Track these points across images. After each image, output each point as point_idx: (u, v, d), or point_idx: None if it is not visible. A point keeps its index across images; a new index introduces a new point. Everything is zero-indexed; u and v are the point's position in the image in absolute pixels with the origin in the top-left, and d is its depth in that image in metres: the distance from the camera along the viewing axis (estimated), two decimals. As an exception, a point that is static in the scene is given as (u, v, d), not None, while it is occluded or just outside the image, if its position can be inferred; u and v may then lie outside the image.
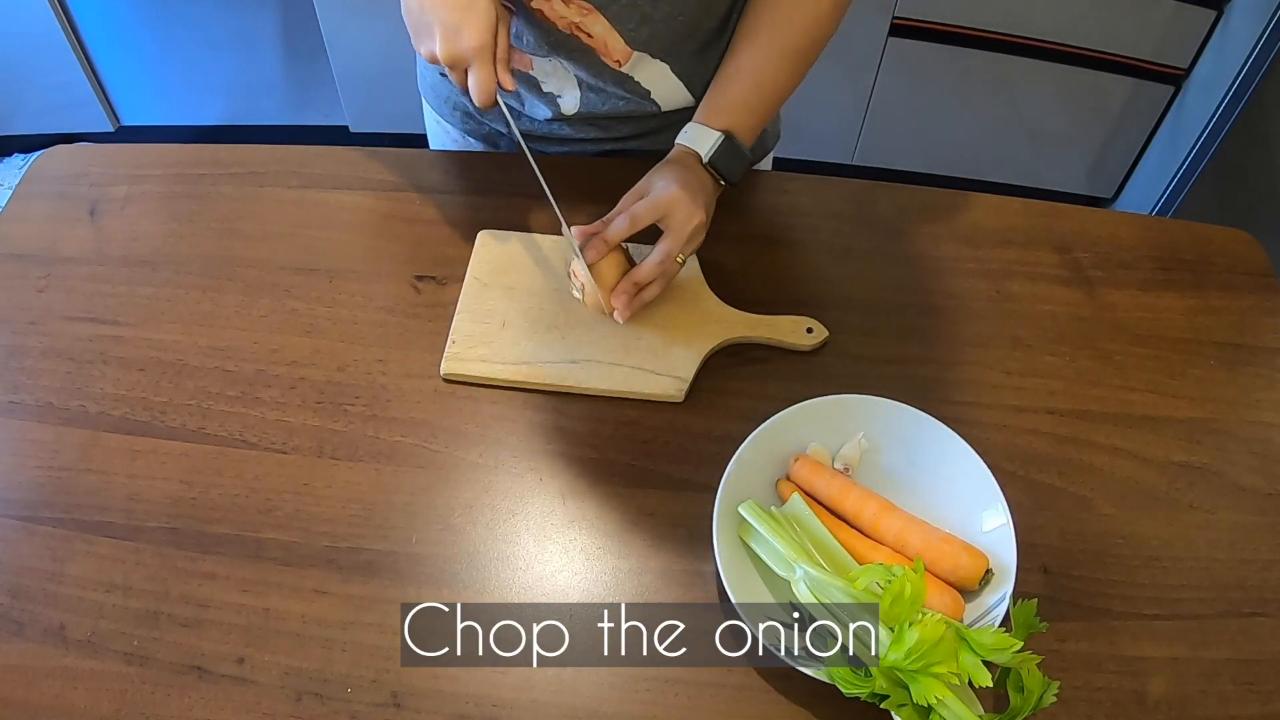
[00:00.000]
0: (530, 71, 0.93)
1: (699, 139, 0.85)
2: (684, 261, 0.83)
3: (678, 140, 0.87)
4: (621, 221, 0.80)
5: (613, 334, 0.85)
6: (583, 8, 0.83)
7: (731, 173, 0.86)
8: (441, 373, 0.84)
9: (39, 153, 1.06)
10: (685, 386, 0.82)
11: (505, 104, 0.81)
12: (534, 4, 0.83)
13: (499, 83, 0.76)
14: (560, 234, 0.91)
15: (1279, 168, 1.74)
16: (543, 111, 0.96)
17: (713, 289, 0.88)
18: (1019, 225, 0.97)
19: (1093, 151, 2.08)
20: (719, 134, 0.85)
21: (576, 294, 0.84)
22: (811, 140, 2.10)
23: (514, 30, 0.87)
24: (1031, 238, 0.96)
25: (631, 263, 0.83)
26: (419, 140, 1.14)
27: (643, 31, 0.86)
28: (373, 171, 1.00)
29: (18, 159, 2.35)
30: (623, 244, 0.82)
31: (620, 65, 0.89)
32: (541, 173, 0.83)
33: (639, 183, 0.84)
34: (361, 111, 2.16)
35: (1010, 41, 1.88)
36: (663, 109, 0.96)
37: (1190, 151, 1.86)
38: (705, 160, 0.85)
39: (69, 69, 2.12)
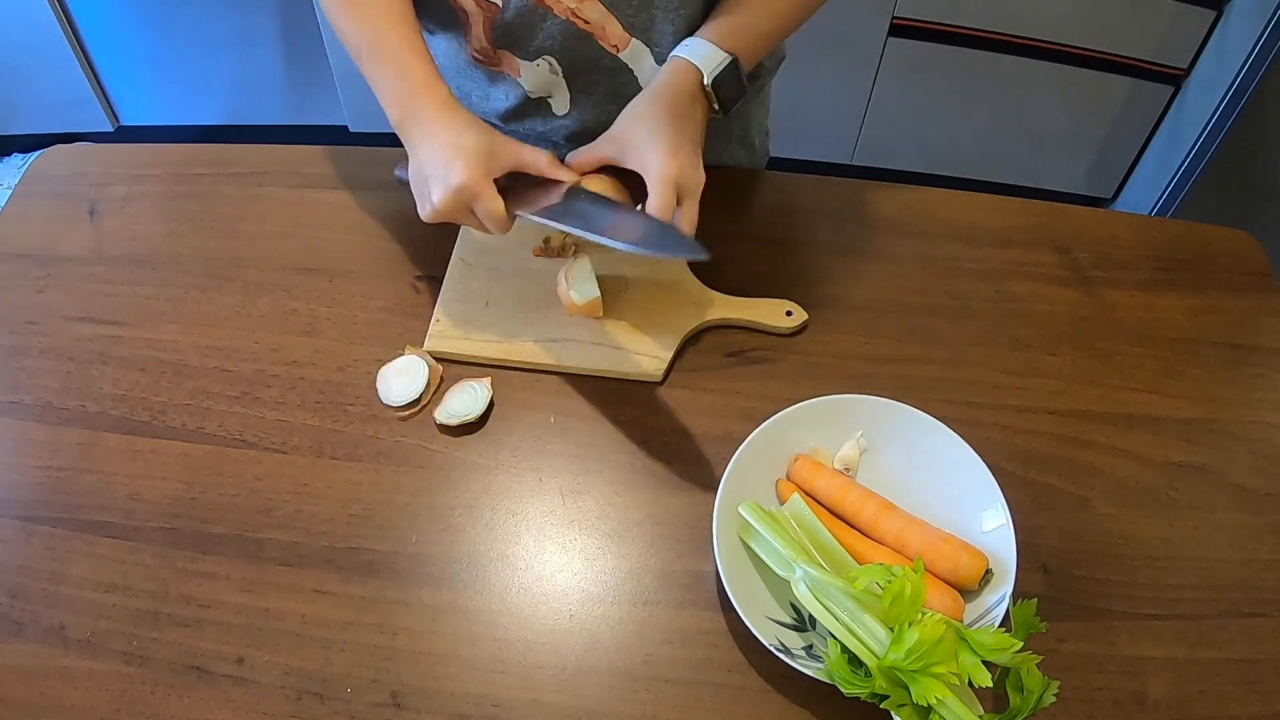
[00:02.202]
0: (518, 78, 0.92)
1: (705, 56, 0.79)
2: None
3: (677, 53, 0.80)
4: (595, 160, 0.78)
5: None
6: None
7: (729, 100, 0.81)
8: (425, 349, 0.85)
9: (39, 153, 1.05)
10: (664, 366, 0.83)
11: (538, 219, 0.76)
12: None
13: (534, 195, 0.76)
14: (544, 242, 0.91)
15: (1279, 168, 1.74)
16: (539, 124, 0.96)
17: (712, 288, 0.88)
18: (1019, 225, 0.97)
19: (1092, 151, 2.08)
20: (726, 56, 0.79)
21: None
22: (811, 140, 2.10)
23: (498, 31, 0.86)
24: (1031, 238, 0.96)
25: (626, 191, 0.80)
26: (419, 140, 1.14)
27: (642, 17, 0.85)
28: (373, 171, 1.00)
29: (18, 159, 2.35)
30: (613, 173, 0.80)
31: (619, 51, 0.87)
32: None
33: (617, 127, 0.79)
34: (361, 111, 2.16)
35: (1010, 41, 1.88)
36: None
37: (1190, 151, 1.86)
38: (708, 81, 0.79)
39: (69, 69, 2.11)
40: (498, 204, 0.74)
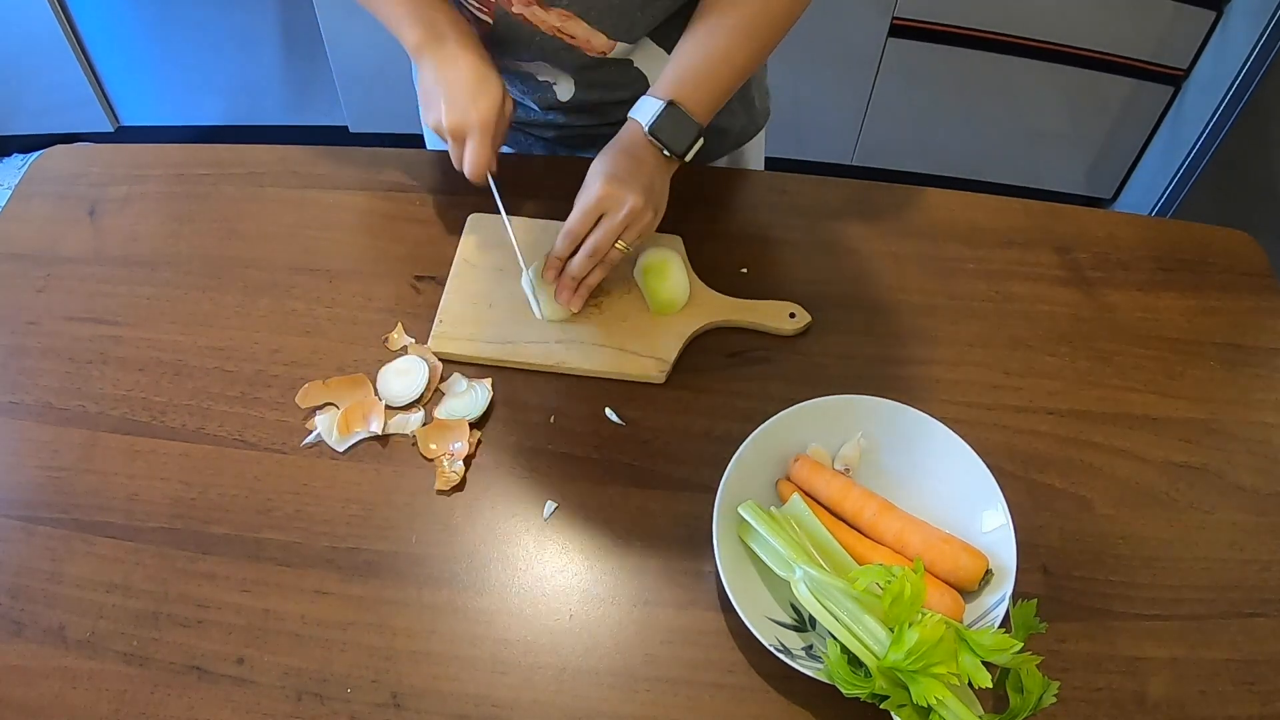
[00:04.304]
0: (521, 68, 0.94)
1: (642, 108, 0.82)
2: (627, 248, 0.81)
3: (629, 114, 0.84)
4: (578, 256, 0.81)
5: (597, 316, 0.86)
6: (563, 14, 0.84)
7: (676, 143, 0.82)
8: (427, 349, 0.85)
9: (39, 153, 1.05)
10: (666, 368, 0.83)
11: (491, 180, 0.85)
12: (515, 10, 0.84)
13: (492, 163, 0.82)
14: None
15: (1279, 168, 1.74)
16: (535, 110, 0.97)
17: (712, 288, 0.88)
18: (1019, 225, 0.97)
19: (1092, 152, 2.08)
20: (662, 103, 0.81)
21: (538, 314, 0.86)
22: (811, 140, 2.10)
23: (491, 42, 0.88)
24: (1031, 238, 0.96)
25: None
26: (418, 140, 1.14)
27: (622, 27, 0.86)
28: (373, 171, 1.00)
29: (18, 159, 2.35)
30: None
31: (605, 55, 0.89)
32: (511, 224, 0.87)
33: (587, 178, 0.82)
34: (361, 111, 2.16)
35: (1010, 41, 1.88)
36: None
37: (1190, 152, 1.86)
38: (646, 129, 0.81)
39: (69, 69, 2.11)
40: (486, 158, 0.82)
